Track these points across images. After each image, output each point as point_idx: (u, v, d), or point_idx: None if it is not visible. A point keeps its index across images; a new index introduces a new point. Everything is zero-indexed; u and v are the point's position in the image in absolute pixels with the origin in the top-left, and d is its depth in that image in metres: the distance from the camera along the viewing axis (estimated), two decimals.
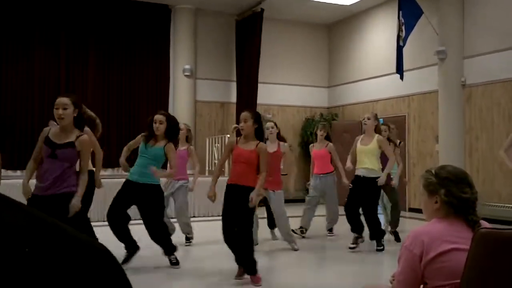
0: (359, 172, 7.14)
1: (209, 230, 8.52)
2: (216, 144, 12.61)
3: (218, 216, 9.58)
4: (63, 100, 4.65)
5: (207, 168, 12.82)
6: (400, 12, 10.39)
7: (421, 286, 2.29)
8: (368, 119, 7.20)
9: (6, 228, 0.48)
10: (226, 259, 6.33)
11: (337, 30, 15.00)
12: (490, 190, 10.12)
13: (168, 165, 6.38)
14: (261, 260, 5.70)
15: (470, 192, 2.30)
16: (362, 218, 7.21)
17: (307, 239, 8.13)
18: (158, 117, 5.97)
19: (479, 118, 10.56)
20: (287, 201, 7.85)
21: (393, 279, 2.38)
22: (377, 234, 7.19)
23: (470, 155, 10.69)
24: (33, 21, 12.13)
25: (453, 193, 2.29)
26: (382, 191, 7.66)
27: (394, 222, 8.04)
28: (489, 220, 2.77)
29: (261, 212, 7.97)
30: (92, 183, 5.99)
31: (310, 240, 8.11)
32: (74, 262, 0.50)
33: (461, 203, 2.28)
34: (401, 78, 10.50)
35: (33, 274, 0.46)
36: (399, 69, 10.40)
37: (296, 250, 7.18)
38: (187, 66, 13.33)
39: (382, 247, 7.19)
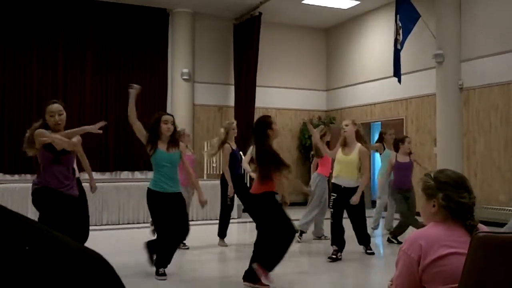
0: (339, 181, 6.83)
1: (206, 233, 8.54)
2: None
3: (216, 219, 9.53)
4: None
5: (205, 171, 12.82)
6: (398, 16, 10.42)
7: None
8: (346, 125, 6.79)
9: (3, 237, 0.49)
10: (223, 263, 6.33)
11: (335, 33, 15.02)
12: (488, 193, 10.14)
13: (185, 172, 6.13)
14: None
15: (468, 197, 2.30)
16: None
17: (300, 243, 8.11)
18: (169, 117, 5.76)
19: (476, 121, 10.58)
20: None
21: (391, 284, 2.38)
22: (364, 240, 7.13)
23: (468, 158, 10.71)
24: (30, 25, 12.13)
25: (450, 197, 2.29)
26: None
27: (395, 227, 8.11)
28: (487, 223, 2.77)
29: None
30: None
31: (303, 244, 8.10)
32: (69, 271, 0.50)
33: (458, 208, 2.28)
34: (399, 81, 10.52)
35: (28, 282, 0.46)
36: (397, 73, 10.42)
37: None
38: (185, 70, 13.34)
39: (372, 251, 7.15)
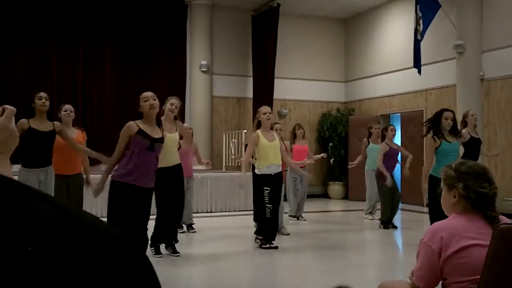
0: (270, 170, 6.65)
1: (227, 225, 8.56)
2: (233, 140, 12.62)
3: (236, 211, 9.56)
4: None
5: (224, 163, 12.85)
6: (418, 5, 10.32)
7: (440, 282, 2.28)
8: (270, 113, 6.84)
9: (33, 218, 0.49)
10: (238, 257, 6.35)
11: (353, 24, 14.92)
12: (509, 185, 10.03)
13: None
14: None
15: (488, 188, 2.28)
16: None
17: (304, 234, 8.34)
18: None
19: (497, 112, 10.45)
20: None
21: (412, 276, 2.38)
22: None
23: (489, 149, 10.58)
24: (50, 19, 12.20)
25: (470, 187, 2.28)
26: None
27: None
28: (508, 216, 2.75)
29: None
30: None
31: (307, 234, 8.16)
32: (97, 250, 0.50)
33: (478, 198, 2.27)
34: (419, 72, 10.43)
35: (56, 262, 0.47)
36: (417, 63, 10.33)
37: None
38: (203, 62, 13.36)
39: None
